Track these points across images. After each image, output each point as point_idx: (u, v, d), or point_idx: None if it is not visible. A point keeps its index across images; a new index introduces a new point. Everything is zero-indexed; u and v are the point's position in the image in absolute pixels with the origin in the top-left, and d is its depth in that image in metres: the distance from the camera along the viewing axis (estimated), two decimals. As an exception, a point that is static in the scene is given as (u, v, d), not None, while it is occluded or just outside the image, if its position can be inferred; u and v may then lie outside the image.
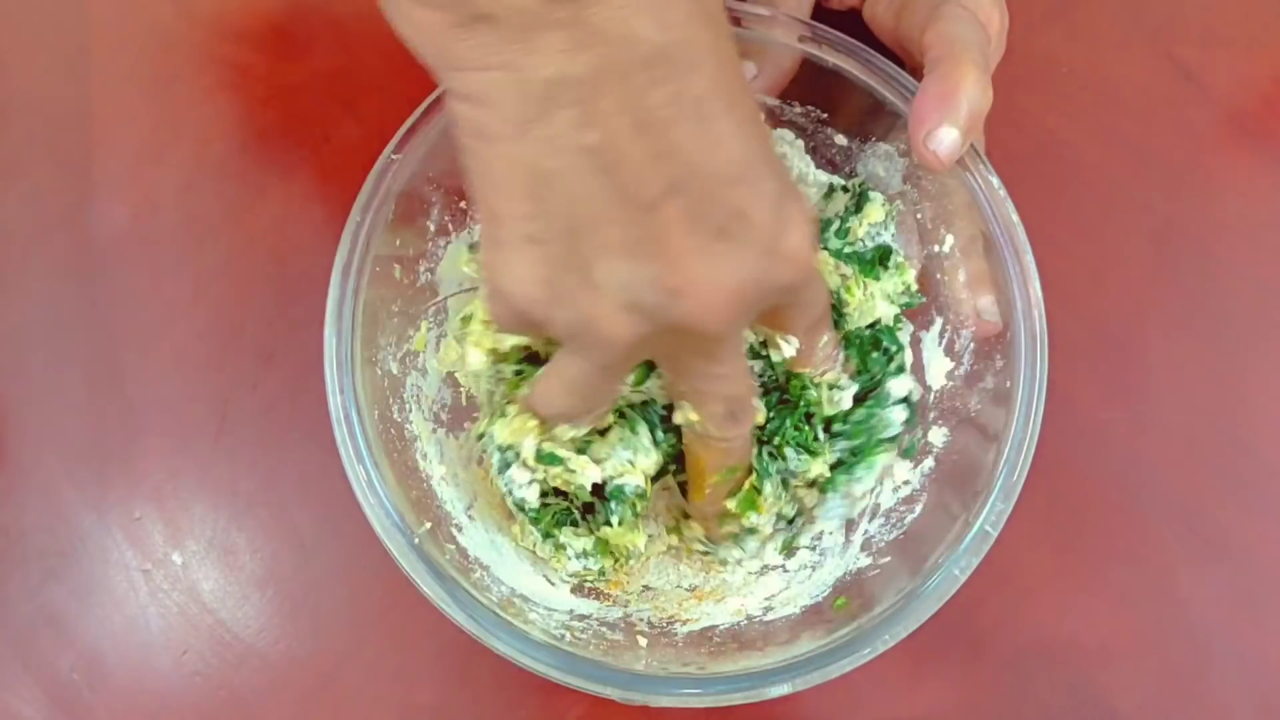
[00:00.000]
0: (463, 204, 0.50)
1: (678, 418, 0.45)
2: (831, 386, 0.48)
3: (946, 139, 0.43)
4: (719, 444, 0.45)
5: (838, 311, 0.49)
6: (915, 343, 0.51)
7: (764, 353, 0.47)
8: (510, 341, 0.46)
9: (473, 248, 0.50)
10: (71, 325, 0.55)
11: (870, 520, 0.49)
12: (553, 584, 0.49)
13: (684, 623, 0.48)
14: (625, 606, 0.49)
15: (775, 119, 0.51)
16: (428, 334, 0.49)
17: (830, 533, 0.50)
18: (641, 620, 0.48)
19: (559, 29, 0.30)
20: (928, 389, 0.50)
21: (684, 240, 0.34)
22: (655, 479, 0.48)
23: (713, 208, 0.34)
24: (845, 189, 0.51)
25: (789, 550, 0.50)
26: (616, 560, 0.50)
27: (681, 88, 0.32)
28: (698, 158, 0.33)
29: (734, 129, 0.33)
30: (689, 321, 0.35)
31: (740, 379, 0.42)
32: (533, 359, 0.48)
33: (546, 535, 0.49)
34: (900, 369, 0.49)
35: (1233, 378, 0.56)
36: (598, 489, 0.47)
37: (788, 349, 0.45)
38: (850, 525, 0.50)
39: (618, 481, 0.47)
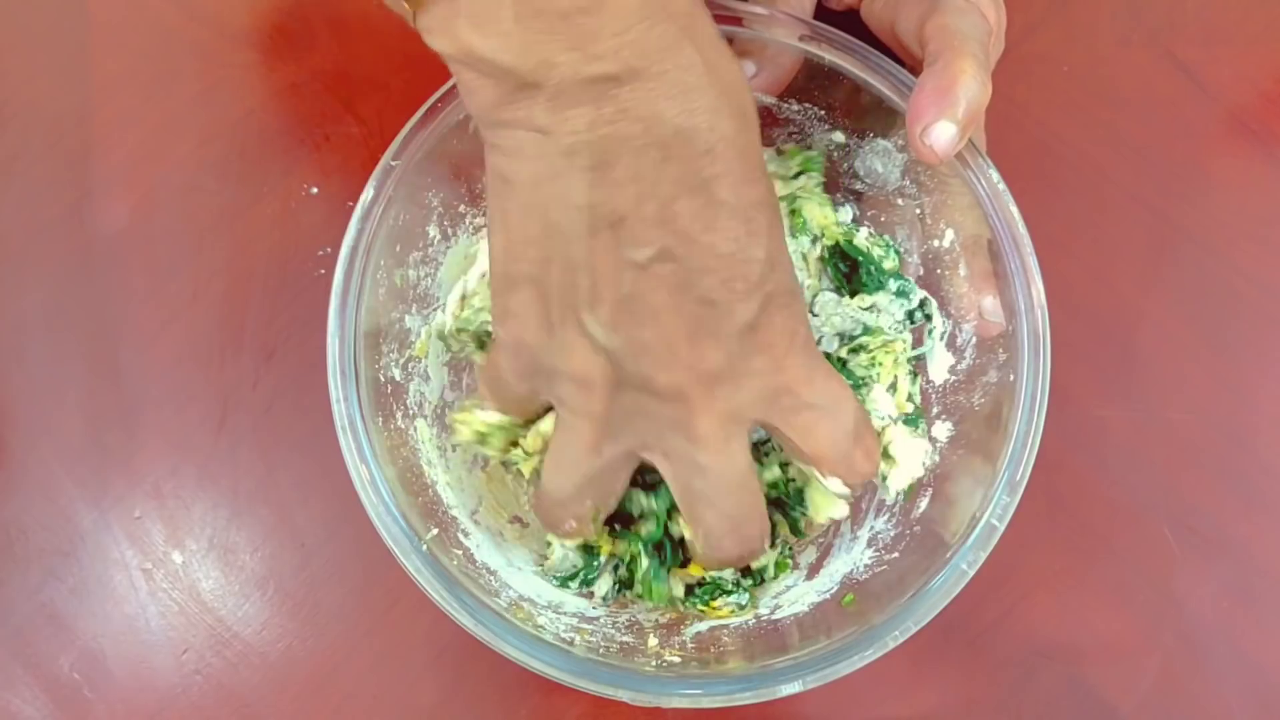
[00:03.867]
0: (461, 209, 0.50)
1: (682, 528, 0.45)
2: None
3: (944, 134, 0.43)
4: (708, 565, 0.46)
5: None
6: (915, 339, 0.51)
7: None
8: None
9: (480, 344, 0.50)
10: (71, 324, 0.55)
11: (876, 517, 0.49)
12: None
13: (692, 623, 0.48)
14: (631, 608, 0.49)
15: (773, 117, 0.51)
16: (429, 340, 0.49)
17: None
18: (650, 621, 0.48)
19: (590, 103, 0.33)
20: (930, 383, 0.50)
21: (667, 299, 0.37)
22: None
23: (700, 276, 0.36)
24: None
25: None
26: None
27: (692, 168, 0.35)
28: (694, 229, 0.36)
29: (736, 212, 0.36)
30: (657, 372, 0.38)
31: (737, 488, 0.42)
32: None
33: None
34: None
35: (1232, 376, 0.56)
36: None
37: (832, 485, 0.44)
38: (856, 522, 0.50)
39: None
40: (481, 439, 0.46)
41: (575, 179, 0.35)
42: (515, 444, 0.47)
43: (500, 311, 0.40)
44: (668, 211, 0.35)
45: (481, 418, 0.46)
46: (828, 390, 0.42)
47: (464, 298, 0.50)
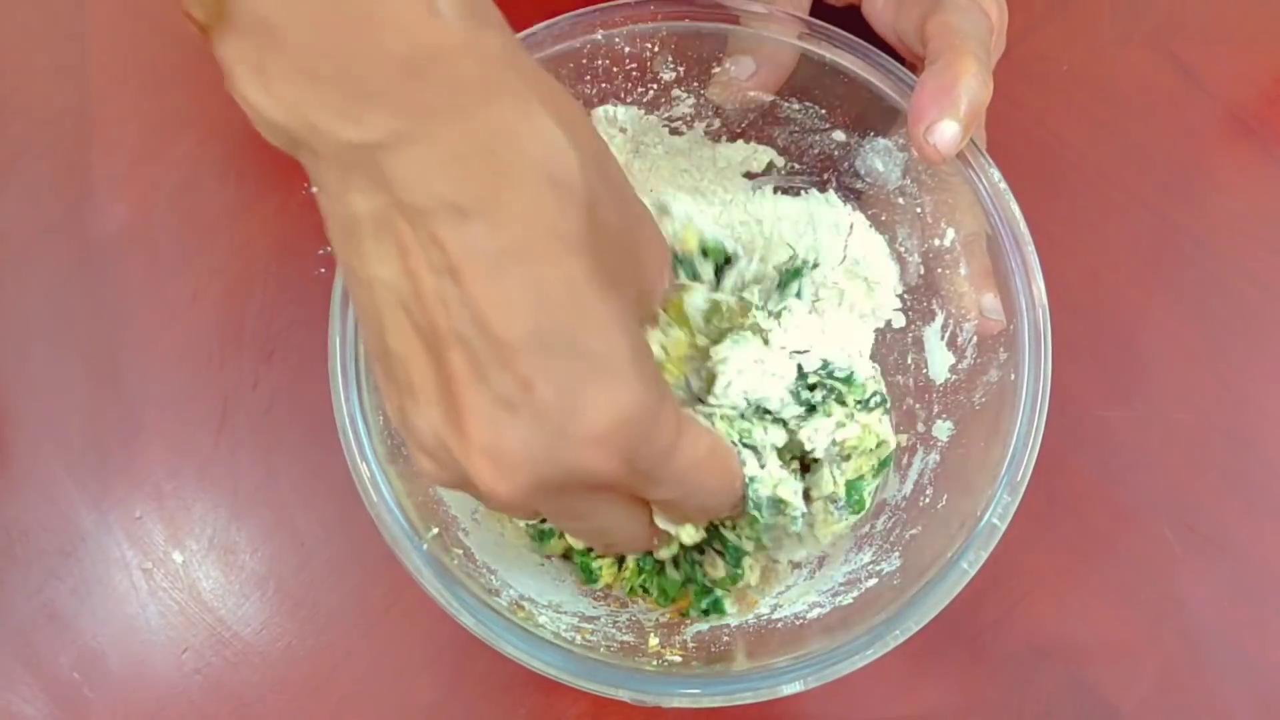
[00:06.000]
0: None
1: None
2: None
3: (946, 133, 0.43)
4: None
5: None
6: (917, 337, 0.51)
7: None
8: None
9: None
10: (71, 324, 0.55)
11: (877, 516, 0.49)
12: (560, 583, 0.49)
13: (692, 622, 0.48)
14: (630, 607, 0.49)
15: (774, 116, 0.51)
16: None
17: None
18: (650, 621, 0.48)
19: (361, 169, 0.31)
20: (930, 382, 0.50)
21: (469, 398, 0.33)
22: None
23: (497, 371, 0.32)
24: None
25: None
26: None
27: (475, 241, 0.31)
28: (484, 314, 0.32)
29: (529, 292, 0.32)
30: (480, 489, 0.34)
31: (608, 534, 0.40)
32: None
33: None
34: None
35: (1232, 375, 0.56)
36: None
37: (684, 536, 0.43)
38: (857, 522, 0.50)
39: None
40: None
41: (367, 249, 0.32)
42: None
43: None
44: (453, 288, 0.31)
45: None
46: (674, 476, 0.37)
47: None
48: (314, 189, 0.34)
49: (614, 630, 0.46)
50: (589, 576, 0.49)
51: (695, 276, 0.48)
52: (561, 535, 0.49)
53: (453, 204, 0.31)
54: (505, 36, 0.33)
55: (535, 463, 0.33)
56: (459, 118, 0.31)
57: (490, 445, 0.33)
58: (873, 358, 0.52)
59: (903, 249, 0.51)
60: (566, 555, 0.50)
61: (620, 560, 0.49)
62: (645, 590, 0.50)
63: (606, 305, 0.33)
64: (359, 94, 0.30)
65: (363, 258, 0.32)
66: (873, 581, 0.46)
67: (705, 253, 0.49)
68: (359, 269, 0.33)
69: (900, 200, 0.50)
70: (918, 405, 0.51)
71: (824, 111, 0.50)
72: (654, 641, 0.46)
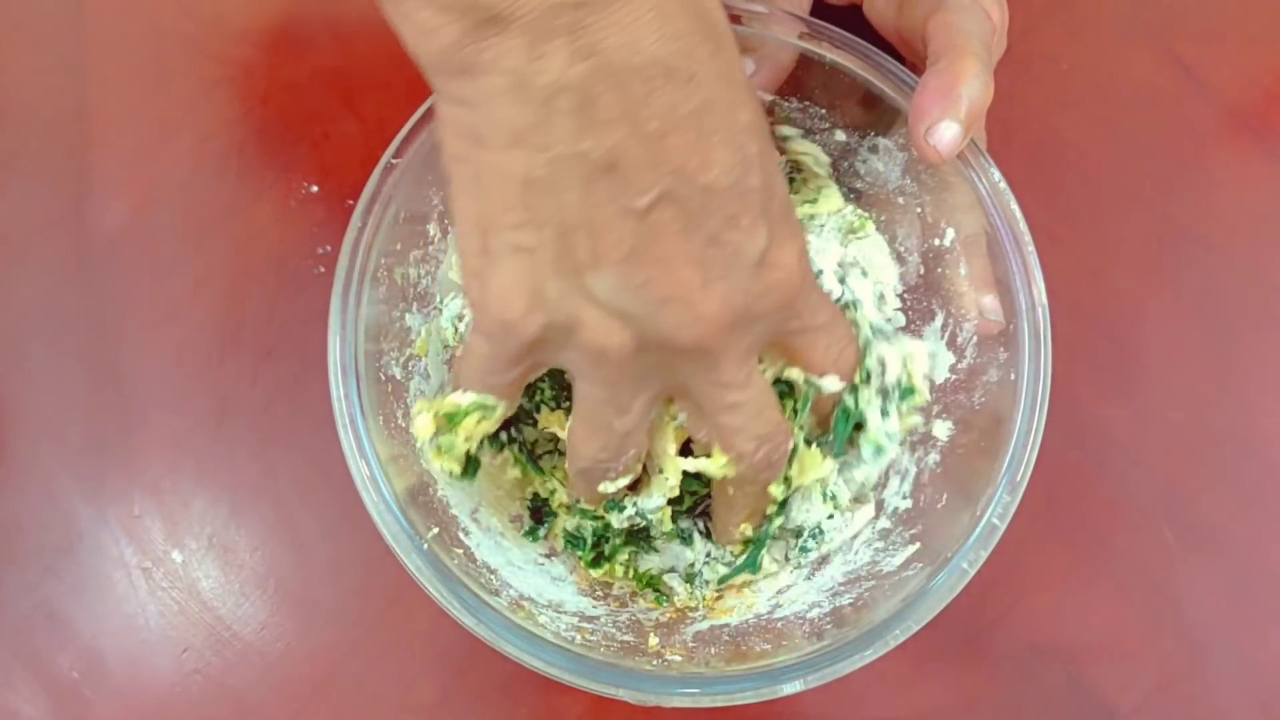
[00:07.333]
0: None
1: (709, 467, 0.43)
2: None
3: (947, 133, 0.43)
4: (752, 489, 0.45)
5: None
6: (916, 337, 0.51)
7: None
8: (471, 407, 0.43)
9: None
10: (70, 322, 0.55)
11: (877, 516, 0.49)
12: (560, 583, 0.49)
13: (693, 622, 0.48)
14: (630, 606, 0.49)
15: (773, 116, 0.51)
16: (429, 339, 0.49)
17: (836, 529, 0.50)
18: (650, 620, 0.48)
19: (562, 35, 0.31)
20: (930, 382, 0.50)
21: (675, 247, 0.35)
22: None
23: (704, 217, 0.34)
24: None
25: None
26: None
27: (678, 99, 0.33)
28: (691, 167, 0.33)
29: (728, 140, 0.34)
30: (678, 331, 0.36)
31: (762, 411, 0.41)
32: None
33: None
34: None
35: (1232, 374, 0.56)
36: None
37: (829, 384, 0.43)
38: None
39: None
40: (450, 421, 0.43)
41: (560, 125, 0.32)
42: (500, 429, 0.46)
43: (478, 293, 0.37)
44: (660, 149, 0.33)
45: (454, 398, 0.43)
46: (824, 311, 0.41)
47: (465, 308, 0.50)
48: (456, 81, 0.33)
49: (614, 630, 0.46)
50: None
51: None
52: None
53: (659, 58, 0.32)
54: None
55: (738, 293, 0.36)
56: None
57: (698, 283, 0.35)
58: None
59: (902, 249, 0.51)
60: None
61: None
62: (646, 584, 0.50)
63: (768, 149, 0.36)
64: None
65: (552, 134, 0.32)
66: (872, 582, 0.46)
67: None
68: (550, 146, 0.33)
69: (900, 200, 0.50)
70: (917, 405, 0.51)
71: (824, 111, 0.50)
72: (654, 641, 0.46)
